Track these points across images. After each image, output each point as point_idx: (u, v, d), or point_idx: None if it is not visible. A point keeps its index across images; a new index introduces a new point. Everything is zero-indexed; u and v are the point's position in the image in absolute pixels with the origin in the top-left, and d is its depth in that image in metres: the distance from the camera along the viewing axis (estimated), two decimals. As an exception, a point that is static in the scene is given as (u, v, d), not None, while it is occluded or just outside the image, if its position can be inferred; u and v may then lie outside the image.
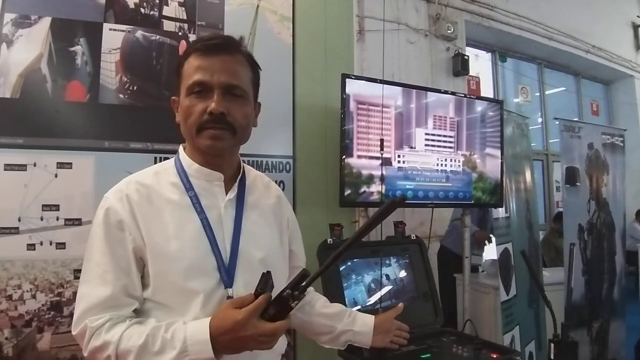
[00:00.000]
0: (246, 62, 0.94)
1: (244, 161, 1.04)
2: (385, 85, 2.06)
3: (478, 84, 4.26)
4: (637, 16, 6.34)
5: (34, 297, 1.55)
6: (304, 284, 0.79)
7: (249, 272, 0.91)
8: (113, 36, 1.73)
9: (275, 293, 0.82)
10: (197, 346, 0.78)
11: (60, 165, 1.61)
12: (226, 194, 0.95)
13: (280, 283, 0.99)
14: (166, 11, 1.83)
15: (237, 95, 0.90)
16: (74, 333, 0.86)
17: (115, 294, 0.84)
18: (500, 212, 2.53)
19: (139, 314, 0.88)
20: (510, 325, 2.43)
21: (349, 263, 1.77)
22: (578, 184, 2.99)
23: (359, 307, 1.71)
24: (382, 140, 2.01)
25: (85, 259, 0.88)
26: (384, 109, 2.05)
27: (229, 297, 0.87)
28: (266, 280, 0.82)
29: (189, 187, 0.92)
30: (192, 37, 1.85)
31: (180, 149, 0.99)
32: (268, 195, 1.05)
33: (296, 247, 1.12)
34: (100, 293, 0.84)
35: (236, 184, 0.97)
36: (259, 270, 0.91)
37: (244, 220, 0.95)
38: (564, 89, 5.94)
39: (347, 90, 1.98)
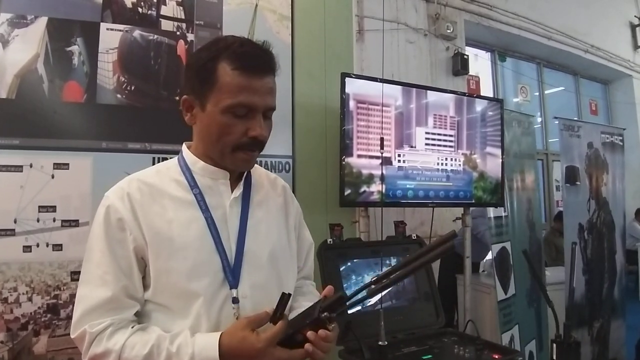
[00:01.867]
0: (274, 77, 0.91)
1: None
2: (385, 84, 2.05)
3: (478, 83, 4.26)
4: (635, 16, 6.36)
5: (30, 299, 1.53)
6: (334, 300, 0.77)
7: (255, 271, 0.89)
8: (110, 36, 1.72)
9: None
10: None
11: (57, 166, 1.59)
12: (232, 192, 0.93)
13: (289, 283, 0.97)
14: (164, 10, 1.81)
15: (269, 116, 0.89)
16: (72, 336, 0.83)
17: (116, 296, 0.81)
18: (496, 212, 2.53)
19: (140, 316, 0.86)
20: (509, 324, 2.43)
21: (349, 263, 1.76)
22: (578, 183, 2.98)
23: (359, 308, 1.69)
24: (382, 139, 2.00)
25: (85, 259, 0.86)
26: (384, 108, 2.04)
27: (234, 298, 0.85)
28: (285, 303, 0.78)
29: (193, 184, 0.90)
30: (190, 37, 1.84)
31: (184, 147, 0.96)
32: (275, 193, 1.03)
33: (298, 246, 1.07)
34: (100, 295, 0.81)
35: (242, 182, 0.95)
36: (266, 269, 0.90)
37: (250, 219, 0.92)
38: (562, 88, 5.95)
39: (347, 89, 1.97)
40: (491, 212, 2.52)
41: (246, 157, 0.88)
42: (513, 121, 2.78)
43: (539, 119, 5.61)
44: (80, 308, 0.82)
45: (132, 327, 0.81)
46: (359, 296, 0.80)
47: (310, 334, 0.77)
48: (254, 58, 0.85)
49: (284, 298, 0.78)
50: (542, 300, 2.11)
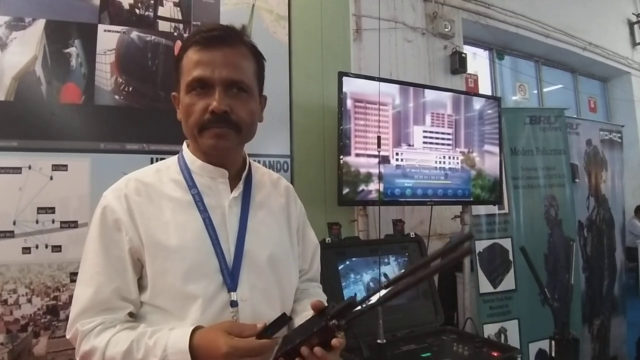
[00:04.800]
0: (249, 54, 0.88)
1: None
2: (382, 83, 2.04)
3: (476, 81, 4.26)
4: (633, 13, 6.36)
5: (29, 301, 1.53)
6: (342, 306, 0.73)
7: (255, 274, 0.87)
8: (108, 37, 1.72)
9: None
10: (177, 355, 0.74)
11: (56, 167, 1.60)
12: (231, 191, 0.91)
13: (290, 286, 0.95)
14: (161, 11, 1.82)
15: (241, 90, 0.85)
16: (67, 336, 0.84)
17: (108, 297, 0.81)
18: (482, 209, 2.57)
19: (136, 318, 0.85)
20: (496, 317, 2.49)
21: (348, 262, 1.76)
22: (577, 180, 2.98)
23: (358, 307, 1.69)
24: (379, 138, 2.00)
25: (82, 259, 0.86)
26: (382, 107, 2.04)
27: (232, 302, 0.83)
28: (281, 323, 0.74)
29: (191, 184, 0.88)
30: (188, 37, 1.84)
31: (184, 145, 0.95)
32: (277, 194, 1.00)
33: (302, 249, 1.05)
34: (92, 295, 0.81)
35: (241, 182, 0.93)
36: (265, 272, 0.88)
37: (250, 219, 0.90)
38: (561, 86, 5.94)
39: (345, 88, 1.97)
40: (481, 209, 2.56)
41: (210, 134, 0.83)
42: (526, 117, 2.78)
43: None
44: (75, 308, 0.83)
45: (121, 325, 0.81)
46: (370, 301, 0.75)
47: (317, 349, 0.72)
48: (208, 31, 0.84)
49: (283, 319, 0.73)
50: (567, 299, 2.10)
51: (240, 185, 0.92)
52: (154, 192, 0.87)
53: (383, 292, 0.74)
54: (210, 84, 0.83)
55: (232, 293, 0.83)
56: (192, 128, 0.85)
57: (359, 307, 0.73)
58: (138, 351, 0.76)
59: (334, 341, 0.73)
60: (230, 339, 0.72)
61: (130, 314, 0.84)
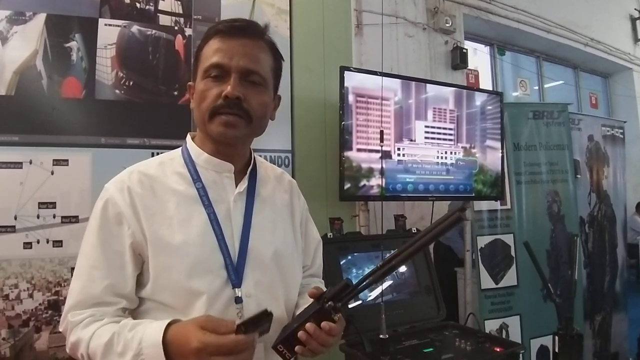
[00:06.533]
0: (268, 50, 0.89)
1: None
2: (384, 78, 2.04)
3: (477, 77, 4.25)
4: (635, 9, 6.33)
5: (31, 296, 1.53)
6: (341, 289, 0.73)
7: (259, 270, 0.86)
8: (109, 31, 1.71)
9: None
10: (151, 349, 0.72)
11: (57, 162, 1.59)
12: (236, 186, 0.90)
13: (294, 282, 0.95)
14: (162, 5, 1.81)
15: (255, 82, 0.85)
16: (60, 329, 0.83)
17: (100, 292, 0.80)
18: (484, 205, 2.57)
19: (139, 314, 0.84)
20: (497, 312, 2.50)
21: (350, 257, 1.76)
22: (578, 176, 2.97)
23: (360, 301, 1.69)
24: (381, 132, 1.99)
25: (80, 251, 0.85)
26: (384, 102, 2.03)
27: (237, 298, 0.82)
28: (261, 321, 0.69)
29: (196, 178, 0.87)
30: (188, 31, 1.83)
31: (188, 137, 0.94)
32: (281, 189, 1.00)
33: (305, 244, 1.05)
34: (84, 289, 0.81)
35: (246, 177, 0.92)
36: (270, 268, 0.88)
37: (255, 215, 0.89)
38: (562, 82, 5.92)
39: (346, 83, 1.96)
40: (483, 205, 2.56)
41: (220, 121, 0.83)
42: (529, 112, 2.77)
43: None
44: (67, 301, 0.82)
45: (109, 318, 0.80)
46: (365, 282, 0.75)
47: (309, 325, 0.73)
48: (230, 22, 0.87)
49: (262, 316, 0.69)
50: (569, 295, 2.10)
51: (246, 180, 0.91)
52: (158, 185, 0.86)
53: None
54: (226, 70, 0.83)
55: (236, 289, 0.82)
56: (203, 113, 0.84)
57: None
58: (118, 344, 0.75)
59: (323, 324, 0.73)
60: (201, 334, 0.69)
61: (124, 309, 0.83)
